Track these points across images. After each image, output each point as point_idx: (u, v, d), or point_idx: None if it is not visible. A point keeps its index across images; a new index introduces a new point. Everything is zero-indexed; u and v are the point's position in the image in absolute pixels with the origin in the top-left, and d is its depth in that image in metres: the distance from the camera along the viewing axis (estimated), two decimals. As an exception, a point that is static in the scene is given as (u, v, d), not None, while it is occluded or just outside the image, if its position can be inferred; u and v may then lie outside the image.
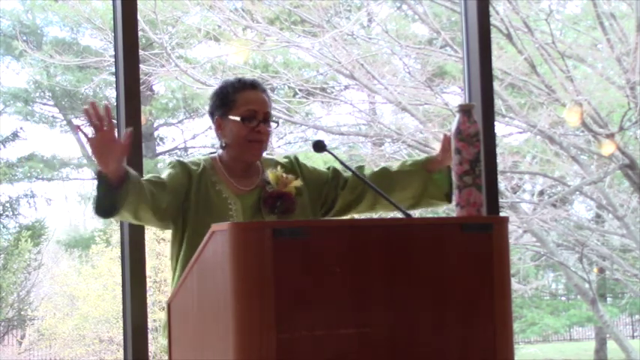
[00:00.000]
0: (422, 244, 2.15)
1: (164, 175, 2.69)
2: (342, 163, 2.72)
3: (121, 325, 3.32)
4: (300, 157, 2.91)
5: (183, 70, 8.92)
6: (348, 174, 2.87)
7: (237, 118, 2.71)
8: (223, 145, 2.77)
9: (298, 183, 2.72)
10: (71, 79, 10.75)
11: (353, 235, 2.10)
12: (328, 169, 2.91)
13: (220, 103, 2.76)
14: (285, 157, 2.88)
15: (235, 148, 2.74)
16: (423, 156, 3.05)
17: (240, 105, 2.72)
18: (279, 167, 2.75)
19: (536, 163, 9.49)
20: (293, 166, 2.84)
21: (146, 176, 2.67)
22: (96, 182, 2.46)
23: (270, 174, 2.73)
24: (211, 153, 2.84)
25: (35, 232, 9.83)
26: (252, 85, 2.77)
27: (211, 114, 2.80)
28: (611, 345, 10.47)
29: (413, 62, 9.42)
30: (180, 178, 2.69)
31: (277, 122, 2.81)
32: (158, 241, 9.50)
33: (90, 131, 2.43)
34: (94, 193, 2.47)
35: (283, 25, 8.90)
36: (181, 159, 2.78)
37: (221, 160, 2.78)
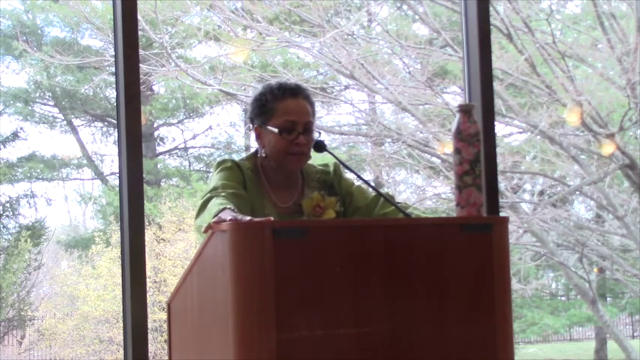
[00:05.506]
0: (422, 244, 2.15)
1: (227, 180, 2.54)
2: (342, 163, 2.71)
3: (121, 325, 3.32)
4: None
5: (183, 69, 8.92)
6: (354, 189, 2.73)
7: (275, 130, 2.57)
8: (264, 154, 2.64)
9: (332, 214, 2.57)
10: (71, 79, 10.74)
11: (353, 235, 2.10)
12: (352, 185, 2.75)
13: (259, 111, 2.63)
14: (325, 164, 2.75)
15: (275, 159, 2.61)
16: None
17: (279, 115, 2.58)
18: (315, 192, 2.62)
19: (537, 163, 9.48)
20: (331, 177, 2.72)
21: (225, 192, 2.47)
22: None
23: (304, 202, 2.60)
24: (255, 153, 2.70)
25: (35, 232, 9.81)
26: (293, 93, 2.62)
27: (251, 120, 2.68)
28: (611, 345, 10.47)
29: (413, 62, 9.41)
30: (240, 182, 2.58)
31: (319, 133, 2.64)
32: (158, 242, 9.50)
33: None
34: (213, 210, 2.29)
35: (283, 24, 8.89)
36: (234, 159, 2.64)
37: (262, 166, 2.66)
